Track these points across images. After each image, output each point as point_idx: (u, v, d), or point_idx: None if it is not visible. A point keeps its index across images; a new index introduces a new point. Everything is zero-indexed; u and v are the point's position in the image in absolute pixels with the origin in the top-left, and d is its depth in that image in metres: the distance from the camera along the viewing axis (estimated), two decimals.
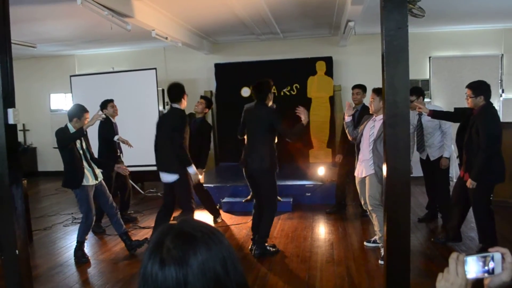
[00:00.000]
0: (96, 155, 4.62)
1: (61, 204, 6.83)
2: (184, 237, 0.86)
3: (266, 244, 4.17)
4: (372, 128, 3.93)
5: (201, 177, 4.89)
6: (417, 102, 4.40)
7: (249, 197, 5.69)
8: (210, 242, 0.87)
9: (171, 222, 3.55)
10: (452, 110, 5.58)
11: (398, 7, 2.29)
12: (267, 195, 4.12)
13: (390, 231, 2.42)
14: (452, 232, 4.20)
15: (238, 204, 5.93)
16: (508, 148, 4.86)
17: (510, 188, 5.31)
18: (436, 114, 4.26)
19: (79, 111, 4.18)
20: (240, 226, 5.20)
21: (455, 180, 4.94)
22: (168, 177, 4.09)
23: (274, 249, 4.20)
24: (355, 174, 4.15)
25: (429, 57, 7.95)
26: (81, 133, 4.03)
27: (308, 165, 7.75)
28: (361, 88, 5.19)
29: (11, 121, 2.67)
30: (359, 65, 7.98)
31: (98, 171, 4.30)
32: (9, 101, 2.68)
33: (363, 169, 3.99)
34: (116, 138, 5.25)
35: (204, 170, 5.18)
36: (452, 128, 4.68)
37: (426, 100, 5.87)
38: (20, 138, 9.39)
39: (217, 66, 8.41)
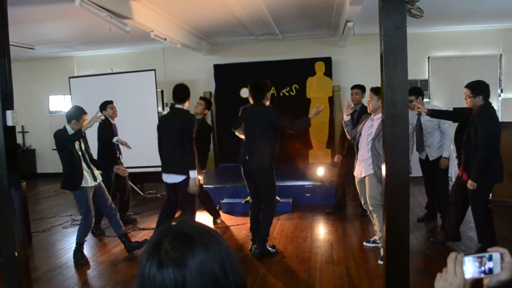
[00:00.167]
0: (95, 156, 4.62)
1: (60, 206, 6.82)
2: (182, 238, 0.86)
3: (267, 244, 4.17)
4: (370, 128, 3.93)
5: (201, 178, 4.88)
6: (416, 102, 4.40)
7: (248, 198, 5.69)
8: (208, 243, 0.86)
9: (168, 224, 3.54)
10: (451, 110, 5.59)
11: (397, 8, 2.29)
12: (267, 194, 4.12)
13: (389, 231, 2.42)
14: (451, 232, 4.20)
15: (238, 205, 5.93)
16: (506, 148, 4.87)
17: (509, 188, 5.32)
18: (434, 113, 4.26)
19: (77, 113, 4.17)
20: (239, 227, 5.20)
21: (454, 180, 4.94)
22: (174, 178, 4.06)
23: (274, 250, 4.20)
24: (355, 173, 4.15)
25: (428, 57, 7.96)
26: (80, 135, 4.03)
27: (308, 165, 7.75)
28: (360, 88, 5.20)
29: (9, 123, 2.66)
30: (358, 66, 7.99)
31: (97, 173, 4.30)
32: (8, 103, 2.68)
33: (362, 169, 3.99)
34: (115, 140, 5.25)
35: (204, 170, 5.17)
36: (451, 128, 4.68)
37: (425, 100, 5.88)
38: (19, 140, 9.40)
39: (216, 67, 8.42)
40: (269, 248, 4.17)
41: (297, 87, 8.12)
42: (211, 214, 5.38)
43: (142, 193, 7.47)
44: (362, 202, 4.16)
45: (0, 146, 2.64)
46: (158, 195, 7.27)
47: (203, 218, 5.40)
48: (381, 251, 3.86)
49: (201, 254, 0.84)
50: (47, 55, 8.83)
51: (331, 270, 3.77)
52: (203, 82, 8.61)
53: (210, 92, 8.42)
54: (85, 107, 4.30)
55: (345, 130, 4.30)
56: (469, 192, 3.83)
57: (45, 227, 5.54)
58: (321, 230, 5.01)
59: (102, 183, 4.34)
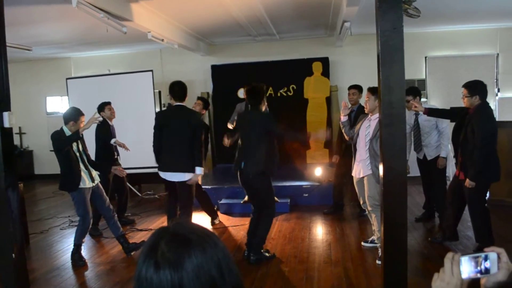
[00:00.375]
0: (93, 157, 4.61)
1: (58, 207, 6.80)
2: (178, 240, 0.86)
3: (262, 250, 4.12)
4: (367, 128, 3.93)
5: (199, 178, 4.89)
6: (413, 102, 4.41)
7: (246, 198, 5.68)
8: (205, 245, 0.86)
9: (164, 225, 3.55)
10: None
11: (393, 8, 2.30)
12: (264, 200, 4.04)
13: (387, 231, 2.42)
14: (449, 231, 4.21)
15: (236, 205, 5.92)
16: (503, 147, 4.89)
17: (506, 187, 5.33)
18: (431, 112, 4.27)
19: (74, 114, 4.16)
20: (237, 227, 5.19)
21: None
22: (180, 177, 4.09)
23: (269, 254, 4.13)
24: (353, 174, 4.14)
25: (425, 57, 7.97)
26: (77, 136, 4.02)
27: (305, 165, 7.74)
28: (357, 88, 5.21)
29: (6, 124, 2.65)
30: (355, 66, 8.00)
31: (95, 174, 4.29)
32: (5, 104, 2.67)
33: (360, 169, 3.98)
34: (113, 141, 5.24)
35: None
36: (449, 127, 4.69)
37: (422, 100, 5.89)
38: (17, 141, 9.36)
39: (214, 67, 8.41)
40: (265, 254, 4.12)
41: (295, 87, 8.12)
42: (209, 214, 5.37)
43: (140, 194, 7.46)
44: (361, 202, 4.16)
45: None
46: (156, 196, 7.26)
47: (201, 218, 5.40)
48: (379, 251, 3.86)
49: (198, 256, 0.84)
50: (44, 56, 8.80)
51: (329, 270, 3.77)
52: (200, 83, 8.60)
53: (208, 93, 8.42)
54: (83, 108, 4.29)
55: (343, 130, 4.29)
56: (466, 192, 3.84)
57: (42, 228, 5.53)
58: (319, 231, 5.01)
59: (100, 184, 4.33)
